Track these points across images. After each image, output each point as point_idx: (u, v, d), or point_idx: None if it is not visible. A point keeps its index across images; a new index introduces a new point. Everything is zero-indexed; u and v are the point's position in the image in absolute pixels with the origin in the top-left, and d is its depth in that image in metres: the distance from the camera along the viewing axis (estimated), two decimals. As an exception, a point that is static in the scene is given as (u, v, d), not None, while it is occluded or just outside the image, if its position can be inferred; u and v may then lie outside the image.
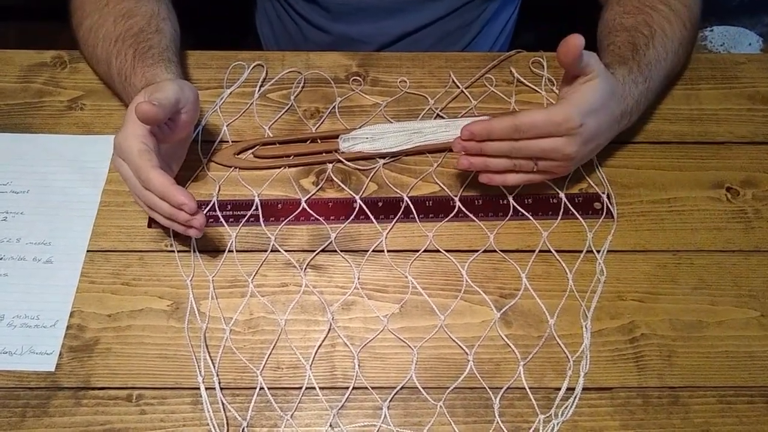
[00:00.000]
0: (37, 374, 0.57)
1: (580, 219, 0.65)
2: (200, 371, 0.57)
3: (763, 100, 0.74)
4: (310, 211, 0.65)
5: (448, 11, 0.86)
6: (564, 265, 0.63)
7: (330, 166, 0.68)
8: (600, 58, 0.66)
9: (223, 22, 1.04)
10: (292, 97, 0.73)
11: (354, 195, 0.66)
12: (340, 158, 0.68)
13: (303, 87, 0.74)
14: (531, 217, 0.65)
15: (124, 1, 0.67)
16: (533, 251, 0.63)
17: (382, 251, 0.63)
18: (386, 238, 0.64)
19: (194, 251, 0.63)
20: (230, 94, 0.73)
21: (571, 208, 0.66)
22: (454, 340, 0.59)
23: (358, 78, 0.75)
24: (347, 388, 0.57)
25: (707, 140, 0.71)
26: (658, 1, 0.68)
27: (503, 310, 0.60)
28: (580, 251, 0.63)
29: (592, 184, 0.67)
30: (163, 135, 0.60)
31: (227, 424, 0.55)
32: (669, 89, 0.74)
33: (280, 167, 0.68)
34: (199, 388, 0.56)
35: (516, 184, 0.64)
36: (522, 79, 0.74)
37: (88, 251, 0.63)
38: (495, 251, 0.63)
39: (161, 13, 0.69)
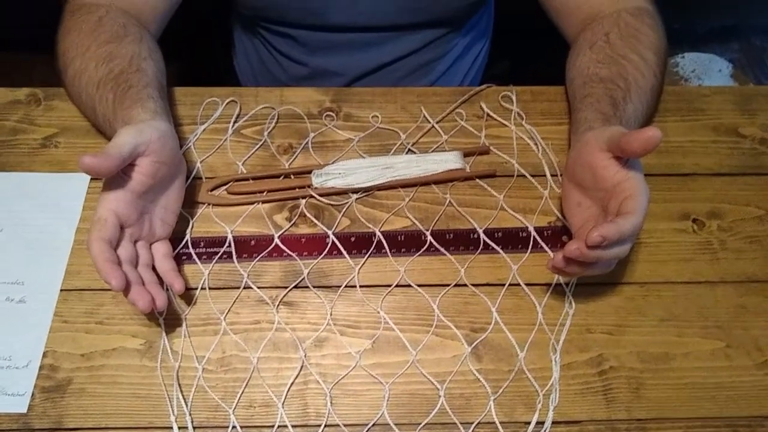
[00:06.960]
0: (9, 416, 0.57)
1: (549, 252, 0.66)
2: (173, 410, 0.57)
3: (727, 132, 0.75)
4: (283, 247, 0.66)
5: (421, 45, 0.88)
6: (533, 298, 0.63)
7: (303, 201, 0.69)
8: (572, 103, 0.68)
9: (199, 61, 1.05)
10: (266, 133, 0.73)
11: (327, 230, 0.67)
12: (313, 194, 0.69)
13: (276, 122, 0.75)
14: (501, 251, 0.66)
15: (105, 45, 0.66)
16: (503, 285, 0.64)
17: (355, 287, 0.64)
18: (358, 273, 0.65)
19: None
20: (204, 130, 0.73)
21: (540, 241, 0.66)
22: (425, 376, 0.60)
23: (331, 113, 0.76)
24: (320, 425, 0.57)
25: (673, 172, 0.72)
26: (629, 50, 0.67)
27: (474, 344, 0.61)
28: (550, 284, 0.64)
29: (561, 218, 0.68)
30: (136, 183, 0.57)
31: (199, 464, 0.55)
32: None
33: (253, 203, 0.69)
34: (172, 428, 0.57)
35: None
36: (492, 114, 0.75)
37: (61, 290, 0.63)
38: (466, 285, 0.64)
39: (143, 52, 0.67)
